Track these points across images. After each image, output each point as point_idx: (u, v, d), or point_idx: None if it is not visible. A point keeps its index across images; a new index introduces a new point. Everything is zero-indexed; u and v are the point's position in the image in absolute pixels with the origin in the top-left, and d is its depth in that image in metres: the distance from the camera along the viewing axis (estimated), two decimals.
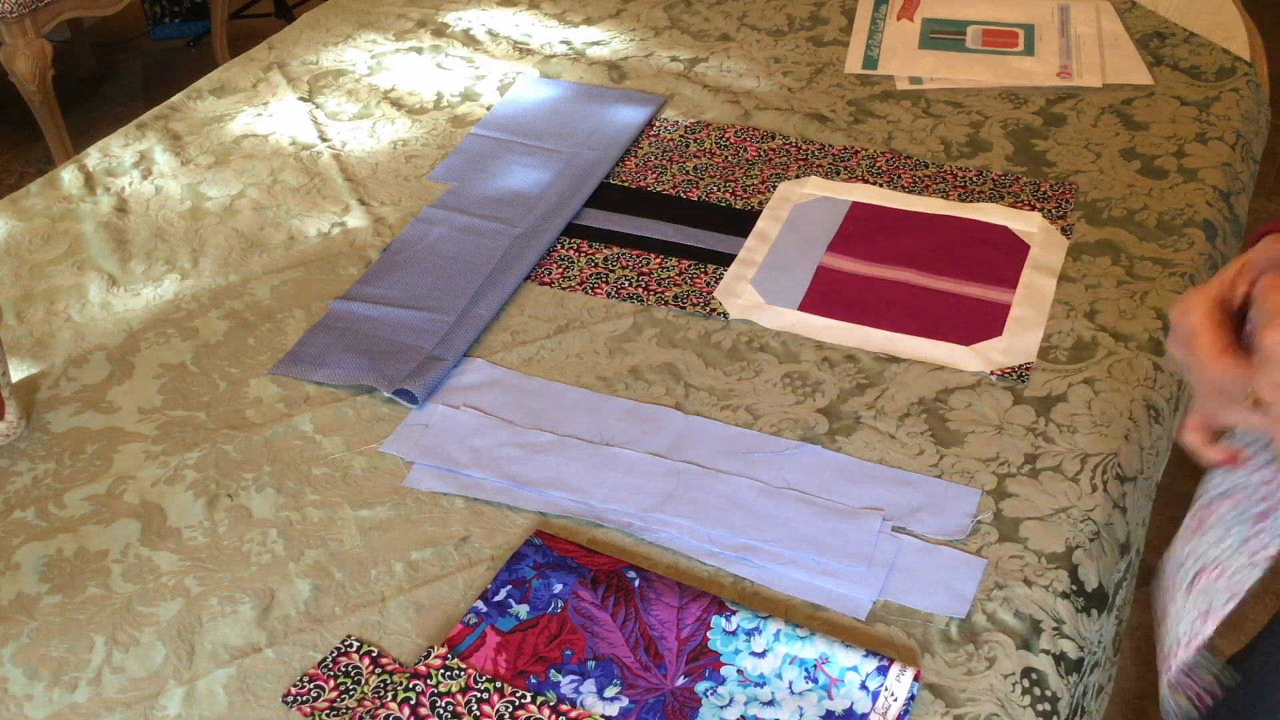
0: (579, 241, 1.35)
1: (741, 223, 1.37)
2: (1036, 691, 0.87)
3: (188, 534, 1.01)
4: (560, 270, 1.31)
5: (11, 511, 1.04)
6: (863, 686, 0.85)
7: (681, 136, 1.54)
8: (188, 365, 1.20)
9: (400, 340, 1.20)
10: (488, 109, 1.62)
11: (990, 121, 1.55)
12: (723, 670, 0.87)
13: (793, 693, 0.86)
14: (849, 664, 0.86)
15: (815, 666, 0.87)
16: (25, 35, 2.38)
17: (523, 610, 0.92)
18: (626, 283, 1.28)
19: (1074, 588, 0.95)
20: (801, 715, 0.84)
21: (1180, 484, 1.95)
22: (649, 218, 1.39)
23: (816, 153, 1.49)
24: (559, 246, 1.35)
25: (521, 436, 1.09)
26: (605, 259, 1.32)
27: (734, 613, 0.90)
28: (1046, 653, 0.89)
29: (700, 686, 0.86)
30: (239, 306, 1.27)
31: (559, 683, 0.87)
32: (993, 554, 0.97)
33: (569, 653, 0.89)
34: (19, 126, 2.84)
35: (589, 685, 0.87)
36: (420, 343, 1.19)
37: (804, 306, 1.24)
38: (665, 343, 1.20)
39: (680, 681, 0.87)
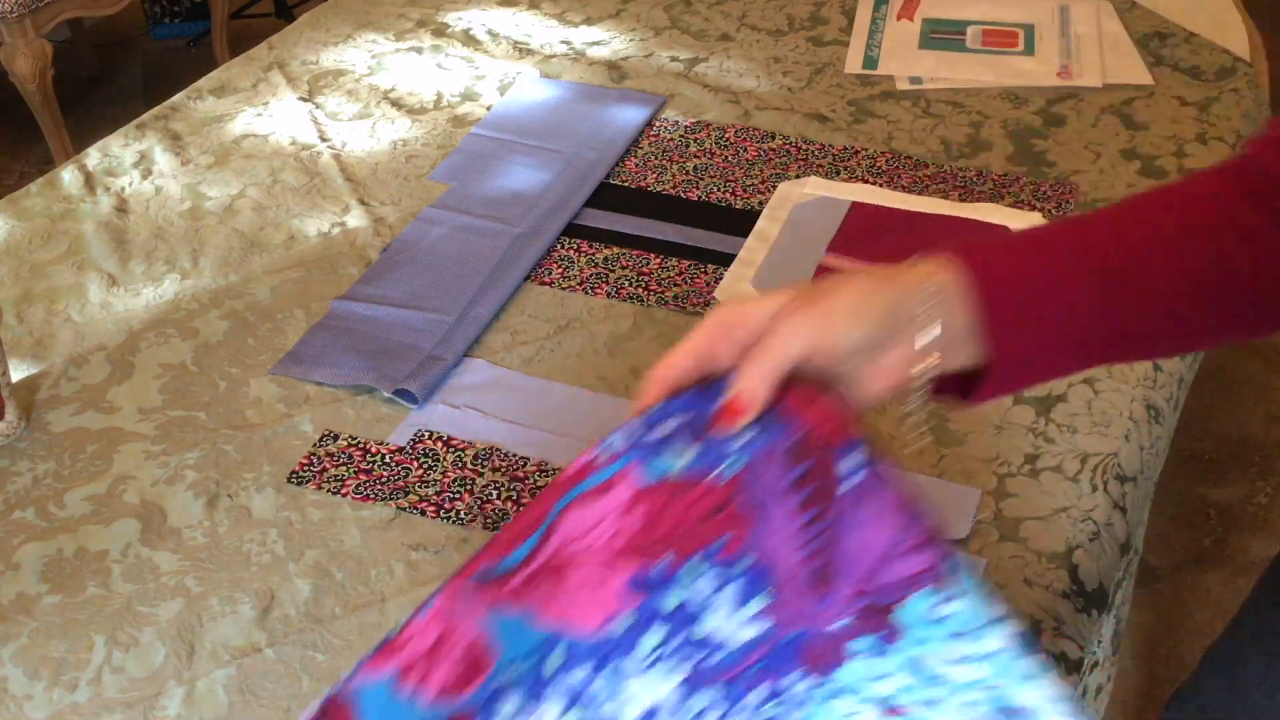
0: (579, 241, 1.35)
1: (741, 223, 1.37)
2: None
3: (188, 534, 1.01)
4: (560, 270, 1.31)
5: (11, 511, 1.04)
6: None
7: (681, 136, 1.54)
8: (188, 365, 1.20)
9: (400, 340, 1.20)
10: (488, 109, 1.62)
11: (990, 121, 1.55)
12: (894, 645, 0.61)
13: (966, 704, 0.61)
14: None
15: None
16: (25, 35, 2.38)
17: (688, 454, 0.62)
18: (626, 283, 1.28)
19: (1074, 588, 0.95)
20: None
21: (1180, 484, 1.96)
22: (649, 218, 1.39)
23: (816, 153, 1.49)
24: (559, 246, 1.35)
25: (522, 436, 1.09)
26: (605, 259, 1.32)
27: (952, 600, 0.60)
28: (1046, 652, 0.89)
29: (857, 644, 0.61)
30: (239, 306, 1.27)
31: (701, 573, 0.61)
32: (992, 554, 0.97)
33: (723, 539, 0.61)
34: (19, 126, 2.84)
35: (730, 591, 0.61)
36: (420, 343, 1.19)
37: None
38: (665, 343, 1.20)
39: (836, 626, 0.61)
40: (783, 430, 0.62)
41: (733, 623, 0.61)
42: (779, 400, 0.62)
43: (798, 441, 0.62)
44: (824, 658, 0.61)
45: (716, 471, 0.62)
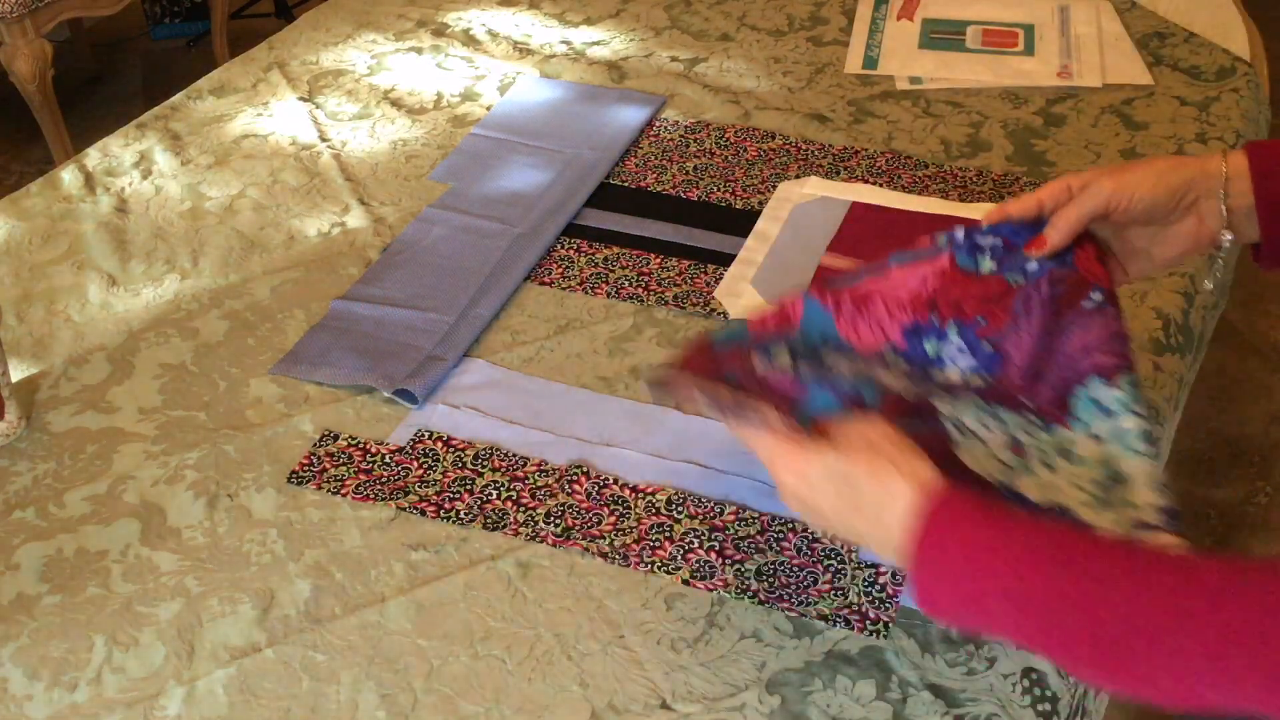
0: (579, 241, 1.35)
1: (741, 223, 1.37)
2: (1037, 691, 0.87)
3: (188, 534, 1.01)
4: (560, 270, 1.31)
5: (11, 511, 1.04)
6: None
7: (681, 136, 1.54)
8: (188, 365, 1.20)
9: (400, 340, 1.20)
10: (488, 109, 1.62)
11: (990, 121, 1.55)
12: (1056, 424, 0.81)
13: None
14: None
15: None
16: (25, 35, 2.38)
17: (989, 265, 0.87)
18: (626, 283, 1.28)
19: None
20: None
21: (1180, 484, 1.95)
22: (649, 218, 1.39)
23: (816, 153, 1.49)
24: (559, 246, 1.35)
25: (521, 436, 1.09)
26: (605, 259, 1.32)
27: (1116, 391, 0.80)
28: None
29: (1030, 415, 0.82)
30: (239, 306, 1.27)
31: (949, 341, 0.83)
32: None
33: (983, 321, 0.84)
34: (19, 126, 2.84)
35: (966, 360, 0.83)
36: (420, 343, 1.19)
37: None
38: (665, 343, 1.20)
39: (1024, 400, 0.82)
40: (1061, 266, 0.84)
41: (956, 381, 0.81)
42: (1072, 245, 0.84)
43: (1066, 274, 0.84)
44: (998, 398, 0.80)
45: (1004, 274, 0.85)
